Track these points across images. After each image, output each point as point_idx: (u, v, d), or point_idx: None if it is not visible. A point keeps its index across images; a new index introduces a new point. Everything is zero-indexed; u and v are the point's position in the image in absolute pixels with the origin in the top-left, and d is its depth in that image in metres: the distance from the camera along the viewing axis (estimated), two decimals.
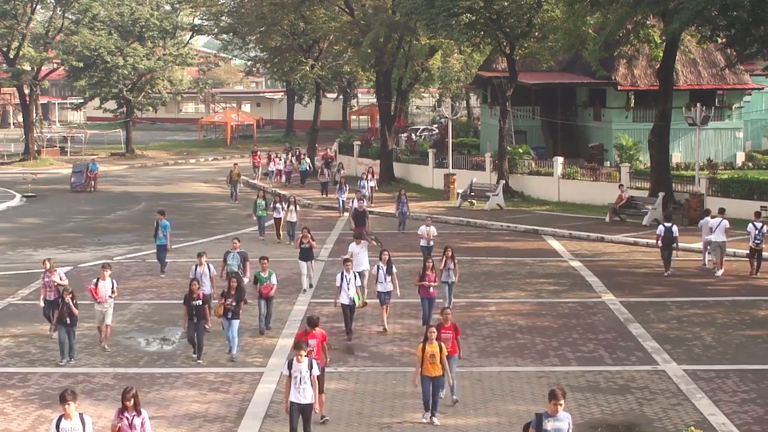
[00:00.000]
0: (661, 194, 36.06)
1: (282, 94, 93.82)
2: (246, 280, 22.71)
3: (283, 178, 51.04)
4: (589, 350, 20.00)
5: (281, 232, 33.04)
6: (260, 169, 53.40)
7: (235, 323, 19.37)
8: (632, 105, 50.05)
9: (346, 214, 36.15)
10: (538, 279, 27.03)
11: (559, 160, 42.42)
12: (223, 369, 18.84)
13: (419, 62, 54.12)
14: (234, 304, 19.30)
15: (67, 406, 12.26)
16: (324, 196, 44.72)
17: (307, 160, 52.17)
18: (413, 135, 63.08)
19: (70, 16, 67.31)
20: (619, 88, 48.86)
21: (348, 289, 20.53)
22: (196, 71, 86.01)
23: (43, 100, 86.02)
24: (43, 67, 65.46)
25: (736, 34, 32.96)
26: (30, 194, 47.37)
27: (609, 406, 16.69)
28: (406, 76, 54.79)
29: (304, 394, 14.48)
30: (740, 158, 49.42)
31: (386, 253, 21.90)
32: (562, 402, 11.84)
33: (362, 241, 24.21)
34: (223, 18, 65.47)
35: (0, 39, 62.06)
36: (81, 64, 63.52)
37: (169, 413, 16.52)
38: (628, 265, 28.96)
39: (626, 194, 36.73)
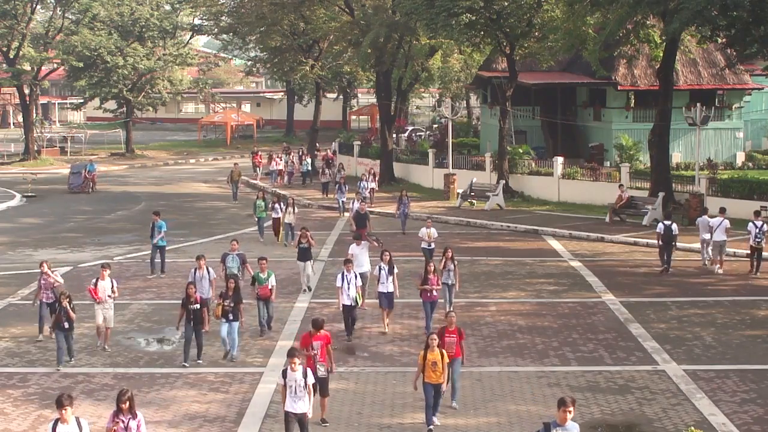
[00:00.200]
0: (661, 194, 36.06)
1: (282, 94, 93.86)
2: (242, 283, 22.53)
3: (285, 178, 51.00)
4: (589, 350, 20.00)
5: (281, 233, 32.94)
6: (261, 169, 53.37)
7: (235, 325, 19.29)
8: (632, 105, 50.06)
9: (347, 214, 36.11)
10: (538, 279, 27.03)
11: (559, 160, 42.42)
12: (223, 369, 18.84)
13: (419, 62, 54.15)
14: (232, 305, 19.21)
15: (64, 411, 12.07)
16: (325, 196, 44.68)
17: (309, 160, 52.13)
18: (402, 136, 62.83)
19: (70, 16, 67.34)
20: (619, 88, 48.87)
21: (348, 289, 20.45)
22: (196, 71, 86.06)
23: (43, 100, 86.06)
24: (43, 67, 65.48)
25: (736, 34, 32.96)
26: (30, 194, 47.38)
27: (609, 406, 16.69)
28: (406, 76, 54.80)
29: (300, 402, 14.27)
30: (740, 158, 49.43)
31: (387, 253, 21.80)
32: (571, 409, 11.53)
33: (363, 242, 24.10)
34: (223, 18, 65.60)
35: (0, 39, 62.06)
36: (81, 64, 63.54)
37: (169, 413, 16.52)
38: (628, 265, 28.96)
39: (626, 194, 36.74)
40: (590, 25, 39.04)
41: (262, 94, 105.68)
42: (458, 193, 42.32)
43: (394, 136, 53.43)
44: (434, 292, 20.85)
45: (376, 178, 43.18)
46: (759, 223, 27.11)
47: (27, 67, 64.01)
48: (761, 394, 17.11)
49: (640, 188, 38.32)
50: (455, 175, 44.06)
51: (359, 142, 55.71)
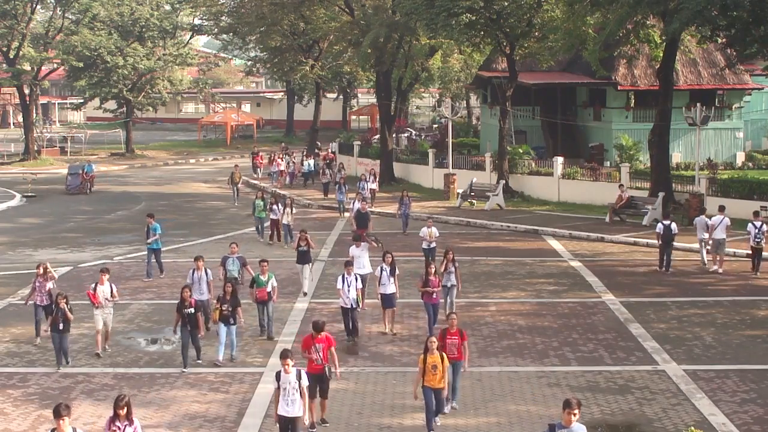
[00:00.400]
0: (661, 194, 36.06)
1: (282, 94, 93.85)
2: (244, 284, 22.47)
3: (286, 178, 50.93)
4: (589, 350, 20.00)
5: (280, 233, 32.88)
6: (262, 169, 53.35)
7: (233, 329, 19.14)
8: (632, 105, 50.06)
9: (347, 214, 36.05)
10: (538, 279, 27.03)
11: (559, 160, 42.41)
12: (223, 369, 18.83)
13: (419, 62, 54.14)
14: (230, 309, 19.05)
15: (61, 421, 11.59)
16: (325, 196, 44.61)
17: (312, 161, 52.07)
18: (402, 136, 62.73)
19: (70, 16, 67.33)
20: (619, 88, 48.87)
21: (348, 291, 20.29)
22: (196, 71, 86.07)
23: (43, 100, 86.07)
24: (43, 67, 65.48)
25: (736, 34, 32.96)
26: (30, 194, 47.37)
27: (609, 406, 16.69)
28: (406, 76, 54.79)
29: (293, 406, 14.11)
30: (740, 158, 49.44)
31: (390, 255, 21.59)
32: (576, 411, 11.35)
33: (362, 243, 23.94)
34: (223, 18, 65.63)
35: (0, 39, 62.07)
36: (81, 64, 63.54)
37: (169, 413, 16.52)
38: (628, 265, 28.96)
39: (626, 194, 36.74)
40: (590, 25, 39.04)
41: (262, 94, 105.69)
42: (458, 193, 42.31)
43: (394, 136, 53.39)
44: (435, 295, 20.70)
45: (377, 179, 43.01)
46: (758, 224, 27.20)
47: (27, 67, 64.01)
48: (761, 394, 17.12)
49: (640, 188, 38.32)
50: (455, 175, 44.06)
51: (359, 142, 55.64)
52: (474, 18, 39.29)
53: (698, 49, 46.74)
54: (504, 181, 41.93)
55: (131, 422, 12.29)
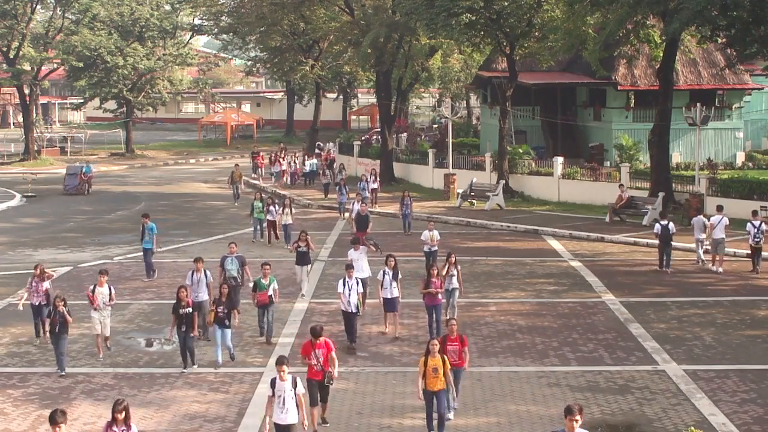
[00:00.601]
0: (661, 194, 36.07)
1: (282, 94, 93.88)
2: (250, 284, 22.35)
3: (288, 179, 50.87)
4: (589, 350, 20.00)
5: (278, 234, 32.67)
6: (263, 169, 53.36)
7: (228, 332, 18.91)
8: (632, 105, 50.05)
9: (347, 214, 35.91)
10: (538, 279, 27.03)
11: (559, 160, 42.42)
12: (223, 369, 18.82)
13: (419, 62, 54.14)
14: (225, 311, 18.84)
15: (57, 429, 11.39)
16: (325, 197, 44.54)
17: (314, 161, 52.00)
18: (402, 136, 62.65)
19: (70, 16, 67.36)
20: (619, 88, 48.87)
21: (349, 296, 20.04)
22: (196, 71, 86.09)
23: (43, 100, 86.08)
24: (43, 67, 65.51)
25: (736, 34, 32.96)
26: (30, 194, 47.38)
27: (609, 406, 16.69)
28: (406, 76, 54.79)
29: (288, 414, 13.78)
30: (740, 158, 49.44)
31: (393, 259, 21.29)
32: (578, 418, 11.04)
33: (361, 246, 23.73)
34: (223, 18, 65.66)
35: (0, 39, 62.08)
36: (81, 64, 63.57)
37: (169, 413, 16.52)
38: (628, 265, 28.96)
39: (626, 194, 36.74)
40: (590, 25, 39.05)
41: (262, 94, 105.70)
42: (458, 193, 42.31)
43: (394, 136, 53.38)
44: (438, 296, 20.49)
45: (378, 179, 42.88)
46: (757, 223, 27.30)
47: (27, 67, 64.04)
48: (761, 394, 17.12)
49: (640, 188, 38.32)
50: (455, 175, 44.06)
51: (365, 136, 55.32)
52: (474, 18, 39.28)
53: (698, 49, 46.74)
54: (504, 181, 41.93)
55: (129, 427, 12.13)
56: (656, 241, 28.37)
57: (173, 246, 32.86)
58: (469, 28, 40.04)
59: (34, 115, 67.67)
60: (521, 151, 45.73)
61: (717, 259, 27.71)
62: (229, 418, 16.29)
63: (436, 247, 26.88)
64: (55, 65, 69.46)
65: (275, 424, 13.92)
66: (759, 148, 53.28)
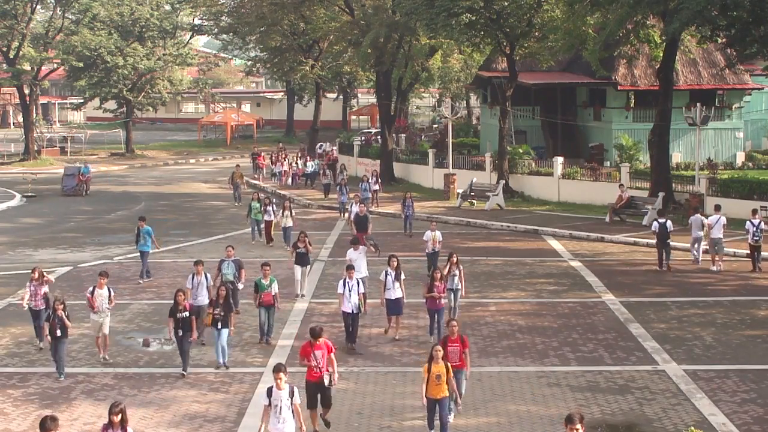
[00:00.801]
0: (661, 194, 36.08)
1: (282, 94, 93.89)
2: (241, 286, 22.17)
3: (289, 179, 50.78)
4: (589, 350, 20.00)
5: (272, 235, 32.36)
6: (264, 170, 53.33)
7: (224, 333, 18.67)
8: (632, 105, 50.07)
9: (347, 215, 35.66)
10: (538, 279, 27.02)
11: (559, 160, 42.42)
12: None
13: (419, 62, 54.14)
14: (222, 314, 18.62)
15: None
16: (325, 197, 44.47)
17: (317, 161, 51.89)
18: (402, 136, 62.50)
19: (70, 16, 67.39)
20: (619, 88, 48.88)
21: (350, 296, 19.88)
22: (196, 71, 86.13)
23: (43, 100, 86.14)
24: (43, 67, 65.54)
25: (736, 34, 32.97)
26: (30, 194, 47.38)
27: (609, 406, 16.69)
28: (406, 76, 54.79)
29: (285, 424, 13.36)
30: (740, 158, 49.44)
31: (395, 259, 21.06)
32: (578, 427, 10.92)
33: (360, 246, 23.56)
34: (223, 18, 65.68)
35: (0, 39, 62.08)
36: (81, 64, 63.59)
37: (169, 413, 16.52)
38: (628, 265, 28.96)
39: (626, 194, 36.74)
40: (590, 25, 39.05)
41: (262, 94, 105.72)
42: (458, 193, 42.32)
43: (394, 136, 53.37)
44: (442, 300, 20.24)
45: (379, 179, 42.70)
46: (756, 222, 27.36)
47: (27, 67, 64.07)
48: (761, 394, 17.12)
49: (640, 188, 38.33)
50: (455, 175, 44.06)
51: (367, 131, 55.22)
52: (474, 18, 39.28)
53: (698, 49, 46.74)
54: (504, 181, 41.93)
55: (125, 430, 12.03)
56: (654, 240, 28.45)
57: (173, 246, 32.86)
58: (469, 28, 40.04)
59: (34, 115, 67.70)
60: (521, 151, 45.74)
61: (716, 258, 27.77)
62: (229, 418, 16.29)
63: (438, 248, 26.47)
64: (55, 65, 69.49)
65: None
66: (759, 148, 53.29)
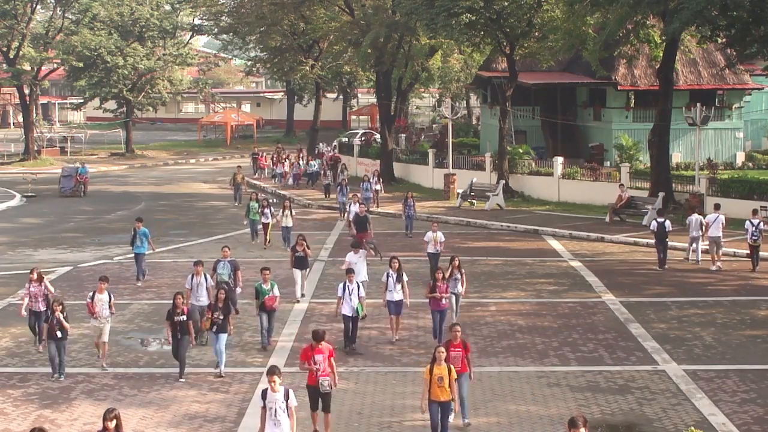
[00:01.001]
0: (661, 194, 36.08)
1: (282, 94, 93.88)
2: (239, 290, 21.99)
3: (289, 179, 50.74)
4: (589, 350, 20.00)
5: (268, 236, 32.18)
6: (266, 170, 53.26)
7: (223, 337, 18.46)
8: (632, 105, 50.07)
9: (346, 215, 35.43)
10: (538, 279, 27.02)
11: (559, 160, 42.41)
12: (223, 368, 18.77)
13: (419, 62, 54.13)
14: (221, 317, 18.41)
15: None
16: (326, 197, 44.42)
17: (318, 161, 51.80)
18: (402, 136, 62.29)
19: (70, 16, 67.41)
20: (619, 88, 48.88)
21: (350, 300, 19.71)
22: (196, 71, 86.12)
23: (43, 100, 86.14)
24: (43, 67, 65.56)
25: (736, 34, 32.98)
26: (30, 194, 47.38)
27: (609, 406, 16.69)
28: (406, 76, 54.78)
29: (280, 427, 13.22)
30: (740, 158, 49.44)
31: (396, 261, 20.96)
32: (582, 431, 10.82)
33: (360, 250, 23.28)
34: (223, 18, 65.61)
35: (0, 39, 62.08)
36: (81, 64, 63.60)
37: (169, 413, 16.52)
38: (628, 265, 28.96)
39: (626, 194, 36.74)
40: (590, 25, 39.05)
41: (262, 94, 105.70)
42: (458, 193, 42.31)
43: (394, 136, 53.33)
44: (443, 301, 20.08)
45: (380, 179, 42.51)
46: (756, 221, 27.44)
47: (27, 67, 64.07)
48: (761, 394, 17.12)
49: (640, 188, 38.33)
50: (455, 175, 44.06)
51: (366, 130, 55.18)
52: (474, 18, 39.27)
53: (698, 49, 46.74)
54: (504, 181, 41.93)
55: None
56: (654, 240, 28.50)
57: (173, 246, 32.86)
58: (469, 28, 40.04)
59: (34, 115, 67.69)
60: (521, 151, 45.74)
61: (715, 258, 27.84)
62: (229, 418, 16.29)
63: (440, 249, 26.17)
64: (55, 65, 69.51)
65: None
66: (759, 148, 53.28)
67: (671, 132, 39.10)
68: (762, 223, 27.67)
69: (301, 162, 52.04)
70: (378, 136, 64.52)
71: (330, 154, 54.56)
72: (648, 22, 38.40)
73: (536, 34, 42.58)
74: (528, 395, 17.25)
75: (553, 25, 40.40)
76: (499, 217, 37.89)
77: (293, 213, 31.94)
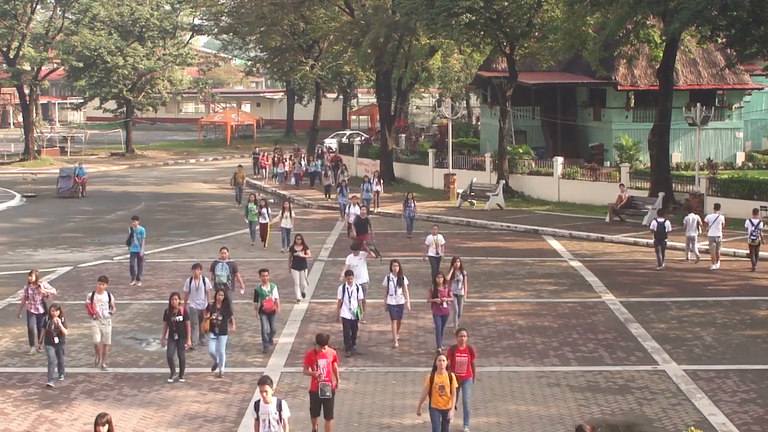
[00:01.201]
0: (661, 194, 36.08)
1: (282, 94, 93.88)
2: (241, 291, 21.80)
3: (292, 180, 50.70)
4: (589, 350, 20.00)
5: (267, 238, 32.07)
6: (267, 170, 53.25)
7: (223, 339, 18.36)
8: (632, 105, 50.06)
9: (346, 217, 35.12)
10: (538, 279, 27.02)
11: (559, 160, 42.41)
12: (223, 369, 18.77)
13: (419, 62, 54.13)
14: (220, 319, 18.28)
15: None
16: (326, 197, 44.37)
17: (320, 161, 51.77)
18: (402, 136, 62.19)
19: (70, 16, 67.41)
20: (619, 88, 48.87)
21: (349, 302, 19.58)
22: (196, 71, 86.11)
23: (43, 100, 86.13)
24: (43, 67, 65.54)
25: (736, 34, 32.97)
26: (30, 194, 47.38)
27: (609, 406, 16.69)
28: (406, 76, 54.79)
29: None
30: (740, 158, 49.44)
31: (397, 264, 20.79)
32: None
33: (360, 252, 23.02)
34: (223, 18, 65.56)
35: (0, 39, 62.09)
36: (81, 64, 63.60)
37: (169, 413, 16.52)
38: (628, 265, 28.96)
39: (626, 194, 36.74)
40: (590, 25, 39.04)
41: (262, 94, 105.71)
42: (458, 193, 42.30)
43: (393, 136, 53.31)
44: (445, 305, 19.87)
45: (381, 180, 42.31)
46: (756, 221, 27.52)
47: (27, 67, 64.08)
48: (761, 394, 17.12)
49: (640, 188, 38.33)
50: (455, 175, 44.05)
51: (367, 130, 55.16)
52: (474, 18, 39.27)
53: (698, 49, 46.75)
54: (504, 181, 41.93)
55: None
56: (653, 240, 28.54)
57: (173, 246, 32.86)
58: (469, 28, 40.04)
59: (34, 115, 67.69)
60: (521, 151, 45.74)
61: (714, 257, 27.91)
62: (229, 418, 16.29)
63: (441, 252, 25.79)
64: (55, 65, 69.49)
65: None
66: (759, 148, 53.27)
67: (671, 132, 39.11)
68: (762, 223, 27.73)
69: (302, 162, 51.99)
70: (365, 135, 64.78)
71: (331, 155, 54.52)
72: (648, 22, 38.40)
73: (536, 34, 42.57)
74: (528, 395, 17.25)
75: (553, 25, 40.38)
76: (499, 217, 37.89)
77: (293, 214, 31.80)
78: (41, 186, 50.21)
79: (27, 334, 20.63)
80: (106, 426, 11.82)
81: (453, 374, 14.52)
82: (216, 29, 68.47)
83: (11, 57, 62.20)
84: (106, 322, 19.12)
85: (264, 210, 31.92)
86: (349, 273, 20.41)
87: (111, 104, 70.76)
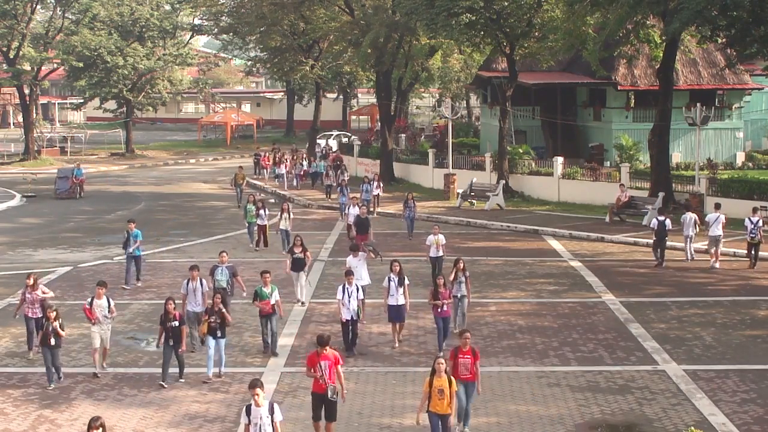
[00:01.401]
0: (661, 194, 36.09)
1: (282, 94, 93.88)
2: (244, 294, 21.71)
3: (293, 180, 50.63)
4: (589, 350, 20.00)
5: (266, 239, 31.91)
6: (267, 171, 53.26)
7: (222, 342, 18.29)
8: (632, 105, 50.05)
9: (346, 217, 34.98)
10: (538, 279, 27.02)
11: (559, 160, 42.41)
12: (223, 369, 18.77)
13: (419, 62, 54.11)
14: (218, 321, 18.14)
15: None
16: (327, 197, 44.32)
17: (321, 162, 51.72)
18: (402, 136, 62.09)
19: (70, 16, 67.39)
20: (619, 88, 48.86)
21: (349, 302, 19.49)
22: (196, 71, 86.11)
23: (43, 100, 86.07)
24: (43, 67, 65.50)
25: (736, 34, 32.98)
26: (30, 194, 47.36)
27: (609, 406, 16.69)
28: (406, 76, 54.78)
29: None
30: (740, 158, 49.44)
31: (398, 264, 20.65)
32: None
33: (360, 253, 22.90)
34: (223, 18, 65.63)
35: (0, 39, 62.08)
36: (81, 64, 63.58)
37: (169, 413, 16.52)
38: (628, 265, 28.96)
39: (626, 194, 36.73)
40: (590, 25, 39.04)
41: (262, 94, 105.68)
42: (458, 193, 42.29)
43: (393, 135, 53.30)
44: (446, 307, 19.68)
45: (381, 183, 42.00)
46: (755, 219, 27.63)
47: (27, 67, 64.04)
48: (761, 394, 17.12)
49: (640, 188, 38.33)
50: (455, 175, 44.05)
51: (369, 133, 55.16)
52: (474, 18, 39.27)
53: (698, 49, 46.75)
54: (504, 181, 41.92)
55: None
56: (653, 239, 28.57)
57: (173, 246, 32.85)
58: (469, 28, 40.04)
59: (34, 115, 67.68)
60: (521, 151, 45.73)
61: (712, 254, 28.01)
62: (229, 418, 16.29)
63: (441, 253, 25.65)
64: (55, 65, 69.46)
65: None
66: (759, 148, 53.27)
67: (671, 132, 39.11)
68: (761, 221, 27.82)
69: (304, 162, 51.97)
70: (352, 135, 64.76)
71: (333, 155, 54.51)
72: (648, 22, 38.40)
73: (536, 34, 42.56)
74: (528, 395, 17.25)
75: (553, 25, 40.38)
76: (499, 217, 37.88)
77: (291, 215, 31.56)
78: (41, 186, 50.20)
79: (26, 335, 20.58)
80: (100, 429, 11.81)
81: (452, 377, 14.38)
82: (216, 29, 68.56)
83: (11, 57, 62.17)
84: (106, 327, 18.93)
85: (261, 212, 31.67)
86: (348, 273, 20.33)
87: (111, 104, 70.74)
